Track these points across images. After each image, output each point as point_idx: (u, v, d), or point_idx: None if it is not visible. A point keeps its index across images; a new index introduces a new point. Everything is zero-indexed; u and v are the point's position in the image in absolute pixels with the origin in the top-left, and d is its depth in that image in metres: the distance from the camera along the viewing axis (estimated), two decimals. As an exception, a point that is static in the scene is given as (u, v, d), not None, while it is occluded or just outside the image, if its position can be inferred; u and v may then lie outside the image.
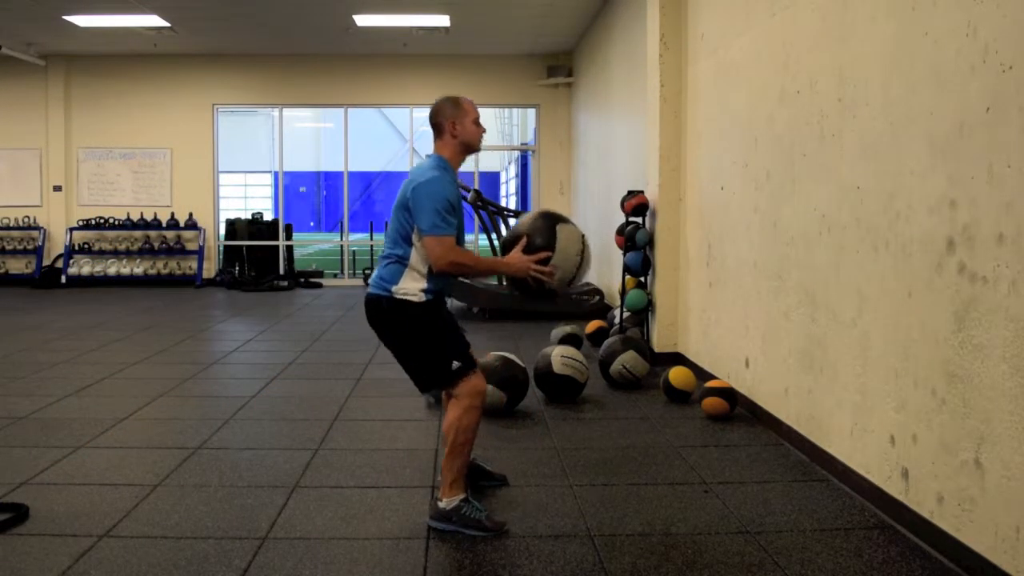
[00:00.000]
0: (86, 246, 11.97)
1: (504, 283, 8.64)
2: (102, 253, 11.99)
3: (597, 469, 3.63)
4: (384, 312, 2.97)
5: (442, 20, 9.60)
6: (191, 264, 12.08)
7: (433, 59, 11.96)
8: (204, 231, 12.06)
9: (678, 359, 5.80)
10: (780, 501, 3.23)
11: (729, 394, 4.46)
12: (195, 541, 2.84)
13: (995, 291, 2.44)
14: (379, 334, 3.05)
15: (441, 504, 2.94)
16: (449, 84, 12.13)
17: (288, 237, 12.64)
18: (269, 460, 3.75)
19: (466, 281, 8.83)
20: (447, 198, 2.90)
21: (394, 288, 2.94)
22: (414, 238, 2.93)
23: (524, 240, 3.08)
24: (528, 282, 3.11)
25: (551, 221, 3.40)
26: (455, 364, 2.93)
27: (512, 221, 11.80)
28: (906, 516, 2.91)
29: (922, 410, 2.82)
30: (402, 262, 2.95)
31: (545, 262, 3.08)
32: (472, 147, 3.08)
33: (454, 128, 3.02)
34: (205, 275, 12.09)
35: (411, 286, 2.94)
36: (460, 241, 3.01)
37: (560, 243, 3.27)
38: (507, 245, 3.24)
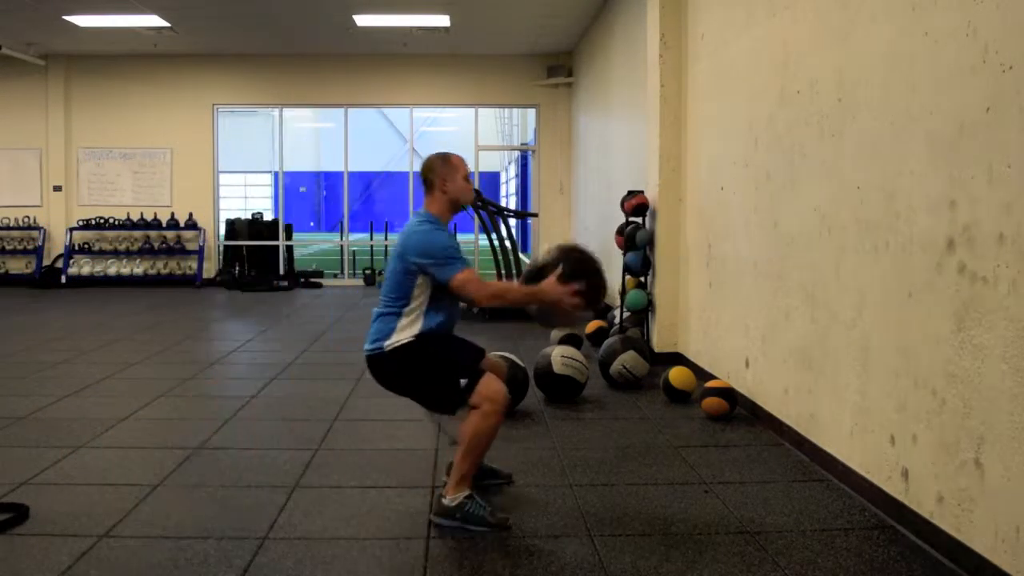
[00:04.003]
0: (86, 246, 11.97)
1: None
2: (102, 253, 11.99)
3: (597, 469, 3.63)
4: (382, 365, 3.06)
5: (442, 20, 9.60)
6: (191, 264, 12.08)
7: (433, 59, 11.96)
8: (204, 231, 12.06)
9: (678, 359, 5.80)
10: (780, 501, 3.23)
11: (729, 394, 4.45)
12: (195, 541, 2.84)
13: (995, 291, 2.44)
14: (385, 386, 3.13)
15: (445, 500, 2.98)
16: (449, 84, 12.16)
17: (288, 237, 12.64)
18: (269, 460, 3.75)
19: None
20: (447, 244, 3.01)
21: (386, 344, 3.03)
22: (417, 291, 3.01)
23: (560, 269, 3.09)
24: (557, 311, 3.12)
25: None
26: (463, 383, 2.99)
27: (512, 221, 11.80)
28: (906, 516, 2.91)
29: (922, 410, 2.82)
30: (393, 315, 3.03)
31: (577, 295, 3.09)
32: (460, 203, 3.18)
33: (444, 185, 3.11)
34: (205, 275, 12.09)
35: (402, 336, 3.02)
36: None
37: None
38: (531, 276, 3.25)
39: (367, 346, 3.09)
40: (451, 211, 3.16)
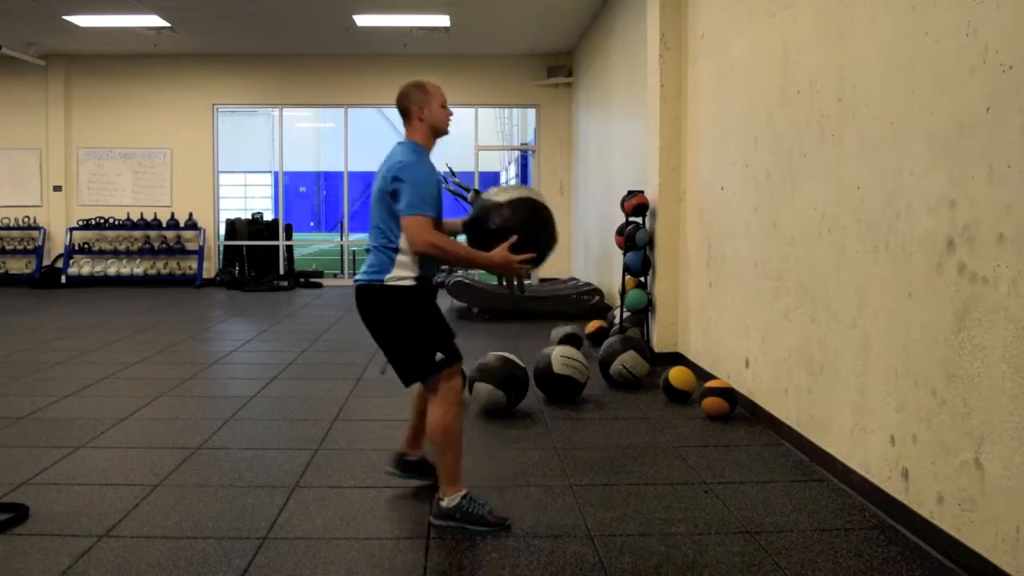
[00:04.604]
0: (86, 246, 11.96)
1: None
2: (102, 253, 11.98)
3: (597, 469, 3.63)
4: (375, 299, 3.00)
5: (442, 20, 9.60)
6: (191, 264, 12.08)
7: (433, 59, 11.95)
8: (204, 231, 12.06)
9: (678, 359, 5.80)
10: (780, 501, 3.23)
11: (729, 394, 4.45)
12: (195, 541, 2.84)
13: (995, 291, 2.44)
14: (367, 322, 3.07)
15: (443, 502, 2.97)
16: (449, 84, 12.00)
17: (288, 237, 12.63)
18: (269, 460, 3.75)
19: (466, 281, 8.83)
20: (426, 179, 2.94)
21: (386, 276, 2.97)
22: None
23: (513, 238, 3.00)
24: (503, 279, 3.15)
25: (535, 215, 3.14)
26: (439, 356, 2.96)
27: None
28: (906, 516, 2.91)
29: (922, 410, 2.82)
30: (391, 249, 2.97)
31: (529, 263, 3.03)
32: (440, 130, 3.12)
33: (422, 112, 3.07)
34: (205, 275, 12.09)
35: (403, 273, 2.97)
36: (438, 226, 3.02)
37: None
38: (477, 231, 3.10)
39: (361, 276, 3.02)
40: (432, 138, 3.11)
